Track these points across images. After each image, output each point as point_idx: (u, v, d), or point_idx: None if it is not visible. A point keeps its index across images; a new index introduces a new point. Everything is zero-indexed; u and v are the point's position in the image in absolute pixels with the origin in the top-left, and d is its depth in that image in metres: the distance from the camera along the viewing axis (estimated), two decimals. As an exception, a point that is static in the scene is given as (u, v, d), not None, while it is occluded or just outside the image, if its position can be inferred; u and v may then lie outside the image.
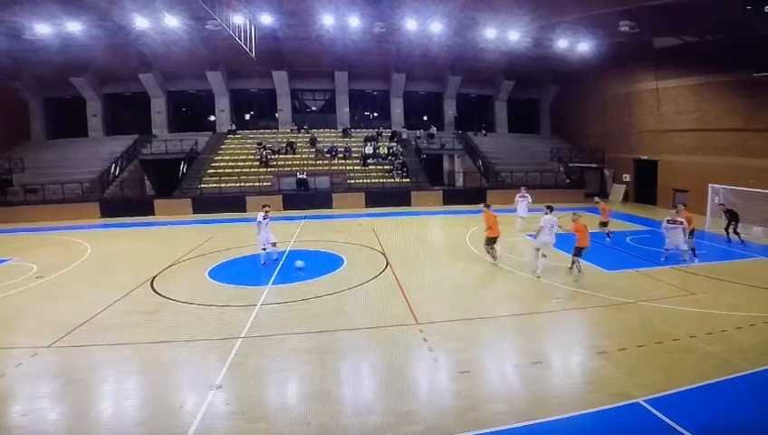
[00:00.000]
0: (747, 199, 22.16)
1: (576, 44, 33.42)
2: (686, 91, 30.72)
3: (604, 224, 21.18)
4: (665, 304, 12.63)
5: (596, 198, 22.80)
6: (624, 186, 37.35)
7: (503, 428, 7.16)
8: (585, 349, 10.11)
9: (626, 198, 36.79)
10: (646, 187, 35.24)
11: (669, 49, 30.79)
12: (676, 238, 16.67)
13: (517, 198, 24.27)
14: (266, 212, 17.01)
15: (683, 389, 8.13)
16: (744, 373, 8.66)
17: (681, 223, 16.43)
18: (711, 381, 8.37)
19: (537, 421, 7.32)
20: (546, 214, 15.82)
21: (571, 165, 39.93)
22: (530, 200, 24.26)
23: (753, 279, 14.95)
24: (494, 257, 17.20)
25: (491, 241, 17.00)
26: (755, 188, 22.18)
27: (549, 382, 8.81)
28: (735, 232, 20.90)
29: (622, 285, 14.56)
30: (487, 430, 7.10)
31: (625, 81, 35.95)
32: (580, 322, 11.96)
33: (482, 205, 17.79)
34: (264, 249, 17.15)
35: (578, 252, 15.31)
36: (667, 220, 16.88)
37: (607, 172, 39.59)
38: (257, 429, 7.26)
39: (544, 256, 15.84)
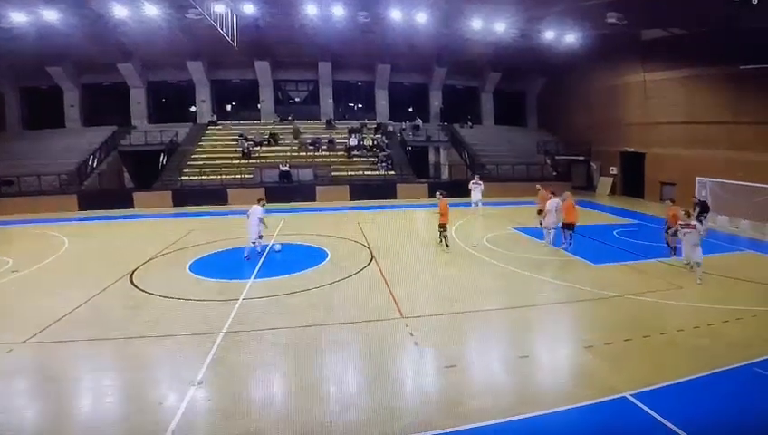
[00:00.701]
0: (735, 193, 22.40)
1: (563, 36, 33.50)
2: (673, 84, 30.95)
3: (541, 212, 21.39)
4: (652, 298, 12.72)
5: (537, 186, 23.27)
6: (611, 178, 37.61)
7: (489, 423, 7.15)
8: (572, 343, 10.16)
9: (613, 191, 37.08)
10: (633, 179, 35.54)
11: (657, 41, 31.03)
12: (693, 245, 14.30)
13: (471, 184, 27.35)
14: (263, 206, 17.47)
15: (670, 383, 8.17)
16: (731, 367, 8.71)
17: (694, 226, 14.35)
18: (698, 376, 8.42)
19: (524, 416, 7.31)
20: (551, 199, 18.74)
21: (557, 158, 40.12)
22: (482, 187, 27.25)
23: (741, 273, 15.13)
24: (447, 245, 18.40)
25: (442, 226, 18.43)
26: (743, 181, 22.38)
27: (536, 377, 8.85)
28: (698, 221, 21.28)
29: (609, 279, 14.65)
30: (474, 425, 7.07)
31: (612, 73, 36.16)
32: (567, 316, 12.04)
33: (438, 193, 19.57)
34: (254, 243, 17.17)
35: (567, 227, 18.10)
36: (681, 225, 14.76)
37: (594, 165, 39.85)
38: (239, 425, 7.18)
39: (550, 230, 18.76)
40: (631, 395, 7.77)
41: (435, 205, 20.21)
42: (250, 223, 17.05)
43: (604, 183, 38.13)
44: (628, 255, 17.70)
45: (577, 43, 33.95)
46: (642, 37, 31.90)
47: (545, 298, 13.09)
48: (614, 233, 21.82)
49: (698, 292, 13.26)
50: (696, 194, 23.41)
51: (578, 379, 8.60)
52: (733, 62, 25.82)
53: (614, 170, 37.53)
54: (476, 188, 26.98)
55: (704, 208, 21.48)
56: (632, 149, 35.16)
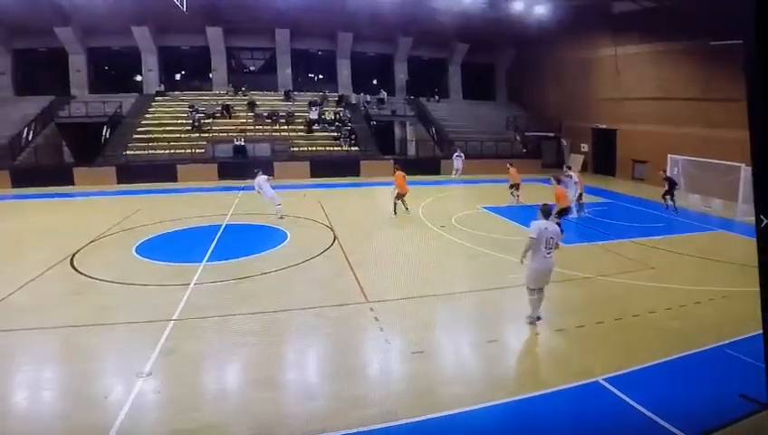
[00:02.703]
0: (707, 171, 22.93)
1: (533, 7, 33.63)
2: (644, 59, 31.42)
3: (514, 186, 23.51)
4: (624, 279, 12.99)
5: (508, 164, 24.17)
6: (582, 156, 38.16)
7: (459, 410, 7.19)
8: (542, 326, 10.27)
9: (584, 169, 37.52)
10: (604, 157, 36.17)
11: (628, 14, 31.32)
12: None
13: (454, 157, 33.65)
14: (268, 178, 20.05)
15: (643, 366, 8.35)
16: (703, 349, 8.96)
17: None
18: (671, 358, 8.63)
19: (494, 403, 7.38)
20: (569, 176, 21.41)
21: (527, 134, 40.44)
22: (463, 158, 33.55)
23: (713, 253, 15.58)
24: (399, 211, 20.70)
25: (400, 196, 20.60)
26: (716, 159, 22.88)
27: (506, 362, 8.96)
28: (672, 199, 22.36)
29: (580, 260, 14.87)
30: (443, 413, 7.11)
31: (583, 46, 36.53)
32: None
33: (394, 166, 21.90)
34: (278, 204, 19.72)
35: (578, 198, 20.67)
36: None
37: (564, 142, 40.37)
38: (192, 419, 7.04)
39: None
40: (603, 379, 7.92)
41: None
42: (264, 192, 19.59)
43: (575, 160, 38.45)
44: (598, 235, 18.03)
45: (547, 14, 34.15)
46: (613, 10, 32.18)
47: (515, 280, 13.17)
48: (585, 212, 22.12)
49: (670, 273, 13.56)
50: (672, 172, 23.90)
51: (549, 363, 8.74)
52: (703, 37, 26.16)
53: (585, 147, 38.11)
54: (458, 160, 33.29)
55: (671, 184, 22.21)
56: (604, 126, 35.72)
